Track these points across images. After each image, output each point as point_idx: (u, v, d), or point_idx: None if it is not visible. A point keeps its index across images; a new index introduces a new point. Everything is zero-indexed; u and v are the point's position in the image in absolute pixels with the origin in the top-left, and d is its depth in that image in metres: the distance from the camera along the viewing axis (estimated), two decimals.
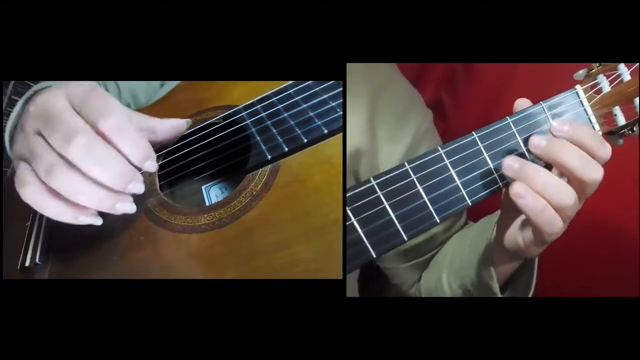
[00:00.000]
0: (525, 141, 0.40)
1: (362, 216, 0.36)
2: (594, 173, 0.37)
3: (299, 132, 0.46)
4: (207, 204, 0.53)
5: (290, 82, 0.52)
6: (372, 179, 0.37)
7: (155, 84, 0.71)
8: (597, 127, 0.42)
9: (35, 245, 0.47)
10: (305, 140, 0.45)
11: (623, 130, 0.42)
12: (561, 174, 0.39)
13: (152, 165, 0.42)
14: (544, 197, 0.37)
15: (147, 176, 0.48)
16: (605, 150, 0.38)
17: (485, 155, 0.39)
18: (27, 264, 0.46)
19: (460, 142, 0.39)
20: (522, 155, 0.40)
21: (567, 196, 0.37)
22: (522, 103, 0.41)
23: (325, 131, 0.45)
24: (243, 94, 0.53)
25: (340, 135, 0.45)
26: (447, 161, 0.38)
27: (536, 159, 0.40)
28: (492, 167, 0.39)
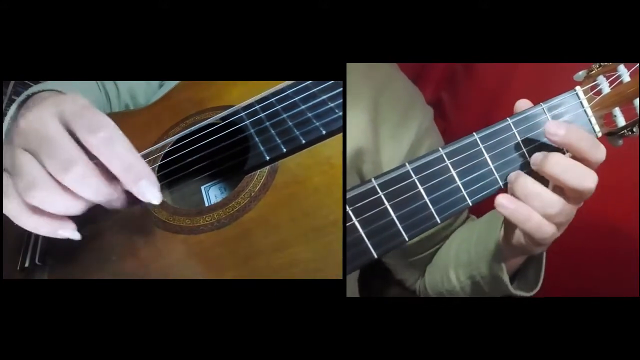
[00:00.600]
0: (526, 142, 0.40)
1: (363, 217, 0.36)
2: (588, 182, 0.38)
3: (298, 133, 0.46)
4: (207, 204, 0.53)
5: (289, 82, 0.52)
6: (373, 179, 0.37)
7: (154, 84, 0.71)
8: (597, 128, 0.42)
9: (34, 246, 0.47)
10: (304, 141, 0.45)
11: (623, 131, 0.42)
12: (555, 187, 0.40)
13: (148, 187, 0.39)
14: (529, 206, 0.39)
15: None
16: (599, 153, 0.39)
17: (486, 156, 0.39)
18: (26, 264, 0.46)
19: (461, 143, 0.39)
20: (522, 155, 0.40)
21: (551, 206, 0.39)
22: (522, 104, 0.41)
23: (324, 132, 0.45)
24: (242, 94, 0.53)
25: (339, 136, 0.45)
26: (448, 162, 0.39)
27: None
28: (492, 167, 0.40)
